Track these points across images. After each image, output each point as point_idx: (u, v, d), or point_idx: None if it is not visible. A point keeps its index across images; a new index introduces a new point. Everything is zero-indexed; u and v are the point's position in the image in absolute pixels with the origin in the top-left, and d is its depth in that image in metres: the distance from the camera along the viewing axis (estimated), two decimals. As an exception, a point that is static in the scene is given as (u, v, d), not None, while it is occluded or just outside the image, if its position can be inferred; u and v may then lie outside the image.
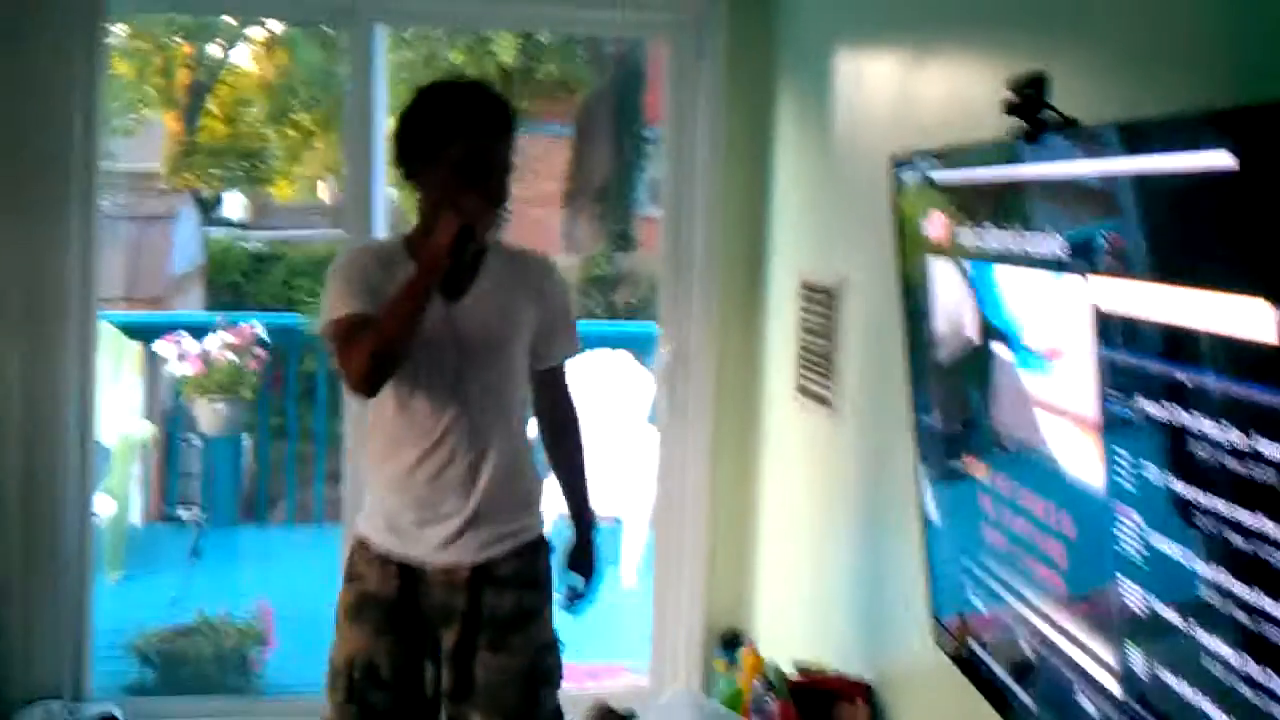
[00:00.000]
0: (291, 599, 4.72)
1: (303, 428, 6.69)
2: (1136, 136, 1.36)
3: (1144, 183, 1.36)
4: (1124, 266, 1.42)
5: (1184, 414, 1.30)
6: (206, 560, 5.77)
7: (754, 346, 3.90)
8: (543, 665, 2.50)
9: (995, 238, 1.79)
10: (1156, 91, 1.64)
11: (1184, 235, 1.30)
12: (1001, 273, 1.79)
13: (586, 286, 12.31)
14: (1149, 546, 1.42)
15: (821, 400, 3.23)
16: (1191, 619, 1.33)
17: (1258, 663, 1.21)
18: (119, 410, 5.53)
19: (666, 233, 3.94)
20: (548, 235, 12.46)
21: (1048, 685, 1.80)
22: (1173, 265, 1.32)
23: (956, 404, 2.10)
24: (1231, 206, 1.18)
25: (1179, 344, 1.31)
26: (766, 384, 3.83)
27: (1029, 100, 1.57)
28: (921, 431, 2.27)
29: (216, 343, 6.00)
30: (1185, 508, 1.32)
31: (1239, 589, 1.22)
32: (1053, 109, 1.57)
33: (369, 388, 2.28)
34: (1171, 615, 1.38)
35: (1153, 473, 1.39)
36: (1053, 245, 1.58)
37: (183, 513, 6.17)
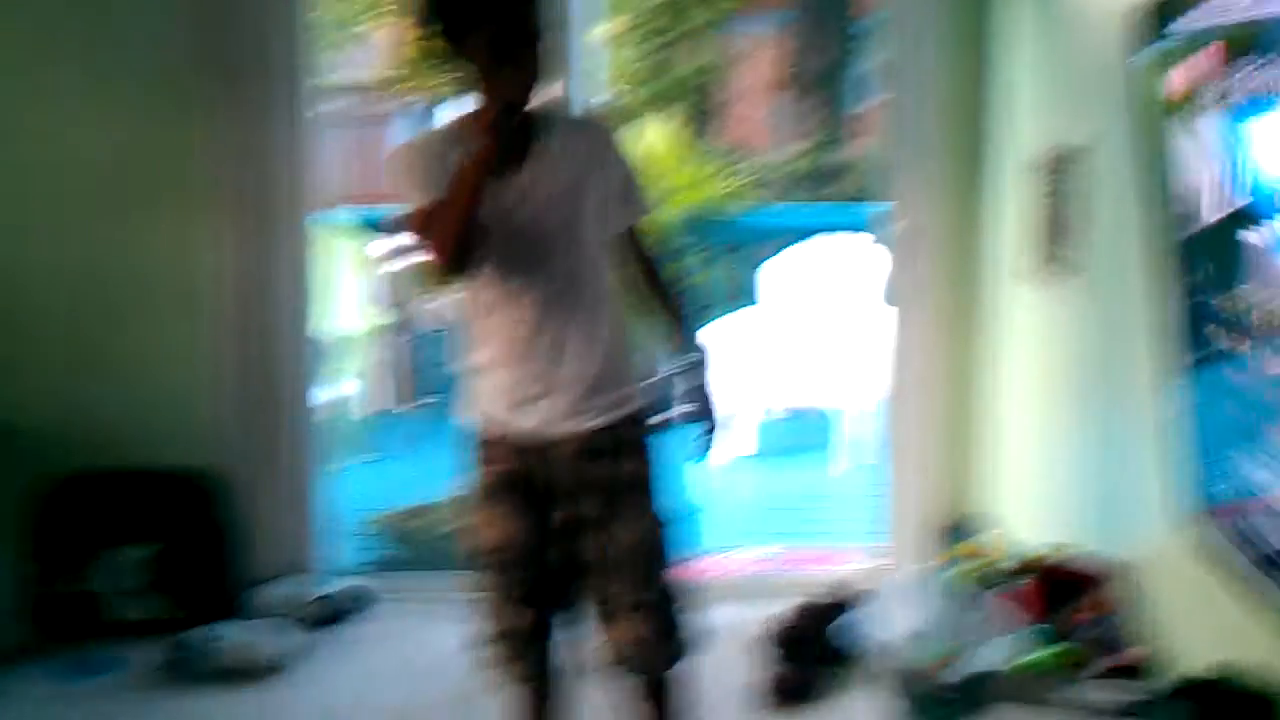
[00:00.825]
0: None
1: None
2: None
3: None
4: None
5: None
6: (434, 444, 5.98)
7: (983, 219, 3.77)
8: (657, 535, 2.45)
9: (1258, 80, 1.63)
10: None
11: None
12: (1261, 120, 1.63)
13: (803, 178, 12.15)
14: None
15: (1056, 273, 3.09)
16: None
17: None
18: (350, 304, 5.72)
19: (891, 110, 3.81)
20: (761, 128, 12.29)
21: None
22: None
23: (1219, 269, 1.94)
24: None
25: None
26: (997, 259, 3.70)
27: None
28: (1175, 301, 2.13)
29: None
30: None
31: None
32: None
33: (456, 272, 2.27)
34: None
35: None
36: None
37: (418, 396, 6.40)
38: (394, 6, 12.70)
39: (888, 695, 2.88)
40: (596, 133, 2.50)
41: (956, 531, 3.76)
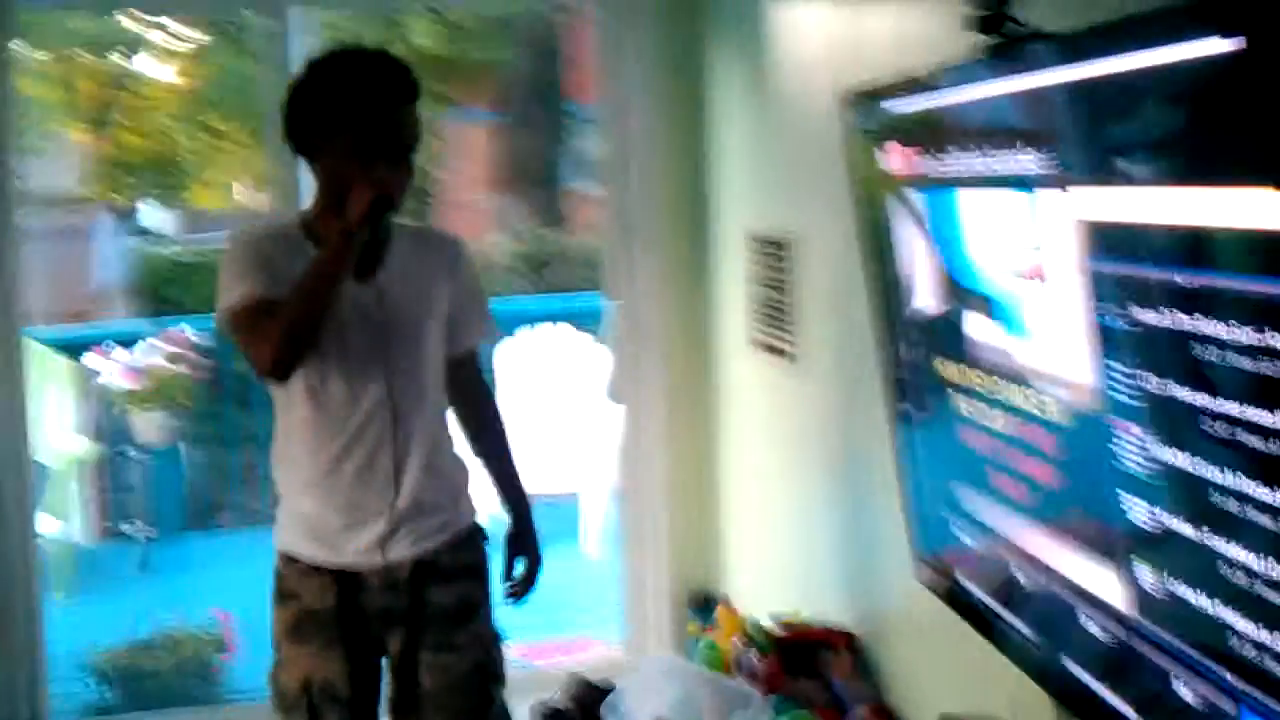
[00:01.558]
0: (247, 604, 4.59)
1: (243, 431, 6.55)
2: (1117, 35, 1.32)
3: (1128, 81, 1.31)
4: (1110, 172, 1.38)
5: (1186, 318, 1.26)
6: (157, 573, 5.66)
7: (705, 307, 3.86)
8: (491, 661, 2.39)
9: (962, 162, 1.75)
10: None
11: (1175, 132, 1.27)
12: (971, 198, 1.76)
13: (521, 265, 12.22)
14: (1154, 459, 1.39)
15: (780, 353, 3.20)
16: (1206, 528, 1.30)
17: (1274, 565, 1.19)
18: (55, 428, 5.39)
19: (610, 199, 3.88)
20: (477, 218, 12.35)
21: (1045, 611, 1.77)
22: (1162, 164, 1.29)
23: (931, 339, 2.06)
24: (1227, 94, 1.14)
25: (1177, 246, 1.28)
26: (721, 343, 3.80)
27: (995, 14, 1.52)
28: (894, 370, 2.24)
29: (150, 352, 5.86)
30: (1193, 415, 1.28)
31: (1258, 492, 1.19)
32: (1017, 21, 1.53)
33: (282, 372, 2.14)
34: (1184, 527, 1.35)
35: (1153, 383, 1.36)
36: (1030, 160, 1.55)
37: (128, 528, 6.03)
38: (92, 114, 12.19)
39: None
40: (448, 245, 2.44)
41: (700, 609, 3.81)
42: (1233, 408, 1.21)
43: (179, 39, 12.07)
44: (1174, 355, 1.30)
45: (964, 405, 1.92)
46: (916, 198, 1.96)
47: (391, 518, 2.27)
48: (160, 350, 5.95)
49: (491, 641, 2.41)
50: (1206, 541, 1.30)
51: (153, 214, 13.97)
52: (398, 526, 2.28)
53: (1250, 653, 1.25)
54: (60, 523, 5.24)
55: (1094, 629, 1.62)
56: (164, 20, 10.72)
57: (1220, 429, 1.23)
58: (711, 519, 3.93)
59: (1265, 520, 1.18)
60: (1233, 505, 1.23)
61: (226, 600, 4.69)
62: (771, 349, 3.27)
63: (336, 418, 2.24)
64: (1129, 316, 1.37)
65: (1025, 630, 1.85)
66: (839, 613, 2.92)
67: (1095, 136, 1.41)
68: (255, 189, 14.69)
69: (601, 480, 5.65)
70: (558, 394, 6.01)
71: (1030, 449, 1.73)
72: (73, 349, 5.82)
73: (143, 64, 12.62)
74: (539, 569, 2.55)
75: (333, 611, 2.28)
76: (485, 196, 13.67)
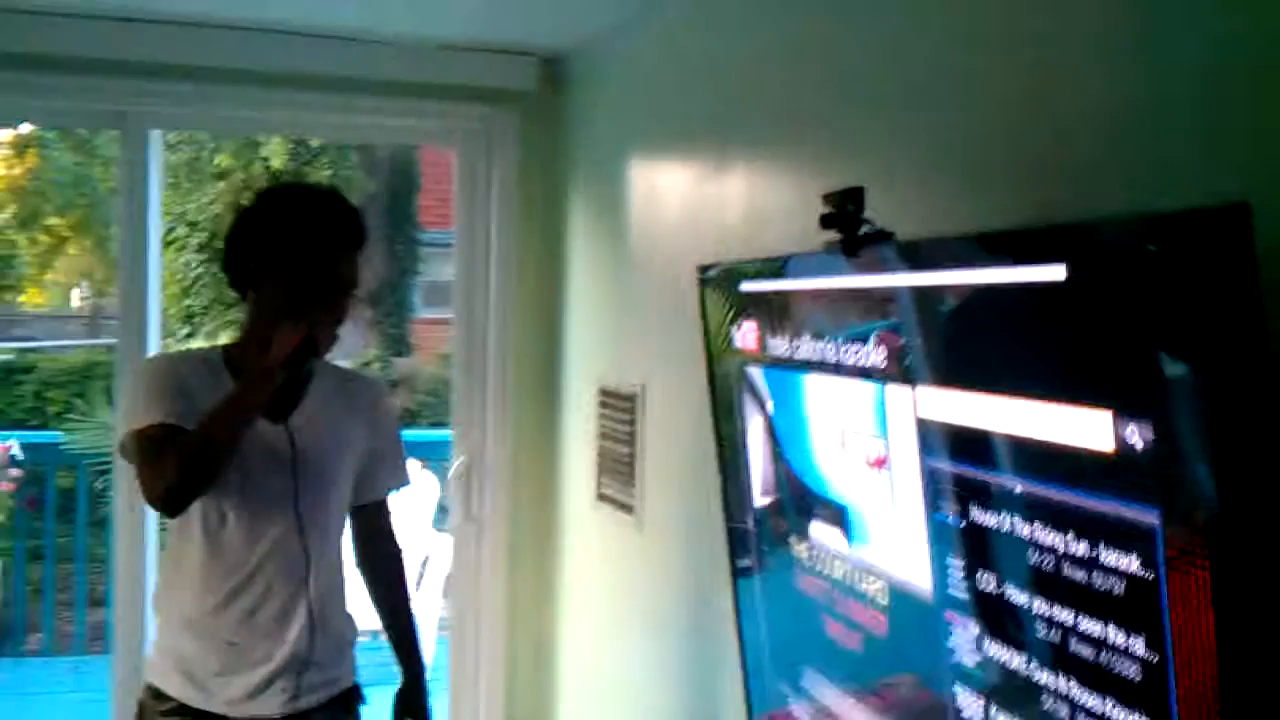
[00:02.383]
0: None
1: (60, 549, 6.26)
2: (965, 249, 1.39)
3: (970, 294, 1.39)
4: (947, 376, 1.45)
5: (1023, 523, 1.32)
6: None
7: (551, 453, 3.86)
8: None
9: (812, 348, 1.81)
10: (951, 208, 1.71)
11: (1011, 346, 1.33)
12: (819, 383, 1.81)
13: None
14: (986, 656, 1.43)
15: (624, 507, 3.21)
16: (1035, 728, 1.34)
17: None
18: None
19: (459, 338, 3.88)
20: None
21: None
22: (999, 376, 1.35)
23: (770, 508, 2.10)
24: (1060, 318, 1.21)
25: (1009, 454, 1.34)
26: (565, 491, 3.79)
27: (847, 213, 1.59)
28: (735, 537, 2.27)
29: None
30: (1026, 617, 1.33)
31: (1087, 700, 1.24)
32: (869, 222, 1.60)
33: (176, 505, 2.09)
34: (1013, 723, 1.39)
35: (988, 582, 1.40)
36: (873, 355, 1.61)
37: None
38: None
39: None
40: (370, 390, 2.41)
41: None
42: (1065, 615, 1.25)
43: (22, 137, 11.79)
44: (1009, 558, 1.35)
45: (802, 578, 1.96)
46: (765, 375, 2.01)
47: (268, 669, 2.21)
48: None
49: None
50: (1036, 742, 1.34)
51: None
52: (273, 679, 2.21)
53: None
54: None
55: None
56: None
57: (1053, 634, 1.28)
58: (546, 668, 3.88)
59: (1092, 728, 1.23)
60: (1064, 711, 1.27)
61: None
62: (615, 503, 3.28)
63: (230, 558, 2.18)
64: (966, 515, 1.42)
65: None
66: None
67: (937, 340, 1.48)
68: (97, 294, 14.29)
69: (430, 618, 5.53)
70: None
71: (867, 632, 1.77)
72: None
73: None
74: None
75: None
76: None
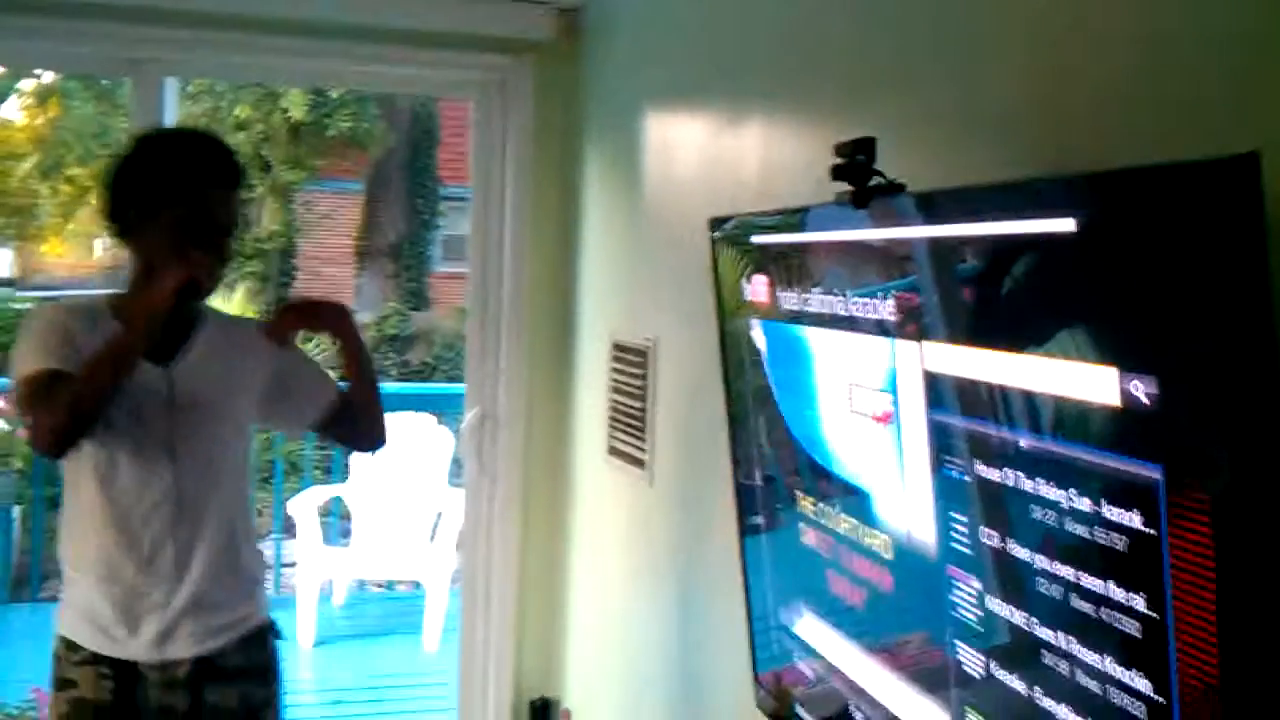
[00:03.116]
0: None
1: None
2: (975, 201, 1.37)
3: (980, 247, 1.37)
4: (956, 331, 1.43)
5: (1026, 479, 1.30)
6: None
7: (564, 407, 3.86)
8: None
9: (820, 302, 1.79)
10: (969, 160, 1.68)
11: (1021, 300, 1.32)
12: (828, 337, 1.79)
13: (381, 345, 12.09)
14: (988, 612, 1.42)
15: (635, 461, 3.20)
16: (1037, 688, 1.33)
17: (1102, 727, 1.22)
18: None
19: (474, 291, 3.88)
20: (339, 292, 12.21)
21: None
22: (1009, 330, 1.33)
23: (779, 463, 2.09)
24: (1069, 270, 1.19)
25: (1015, 409, 1.32)
26: (577, 445, 3.79)
27: (857, 164, 1.57)
28: (743, 492, 2.26)
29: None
30: (1026, 573, 1.32)
31: (1088, 656, 1.23)
32: (880, 174, 1.58)
33: (59, 448, 2.11)
34: (1014, 682, 1.38)
35: (991, 538, 1.39)
36: (886, 308, 1.59)
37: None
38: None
39: None
40: (253, 331, 2.40)
41: (536, 714, 3.76)
42: (1067, 571, 1.24)
43: (45, 86, 11.80)
44: (1013, 514, 1.34)
45: (809, 534, 1.95)
46: (775, 329, 2.00)
47: (172, 613, 2.22)
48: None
49: None
50: (1036, 700, 1.33)
51: (3, 261, 13.53)
52: (178, 622, 2.23)
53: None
54: None
55: (925, 771, 1.64)
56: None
57: (1054, 590, 1.27)
58: (557, 623, 3.90)
59: (1093, 685, 1.22)
60: (1063, 667, 1.27)
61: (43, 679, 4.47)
62: (627, 456, 3.27)
63: (123, 504, 2.20)
64: (971, 471, 1.41)
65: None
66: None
67: (946, 293, 1.46)
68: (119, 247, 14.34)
69: (444, 572, 5.57)
70: (409, 483, 5.93)
71: (871, 587, 1.76)
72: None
73: (8, 109, 12.30)
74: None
75: (108, 705, 2.22)
76: (349, 271, 13.54)
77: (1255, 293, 0.96)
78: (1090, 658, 1.22)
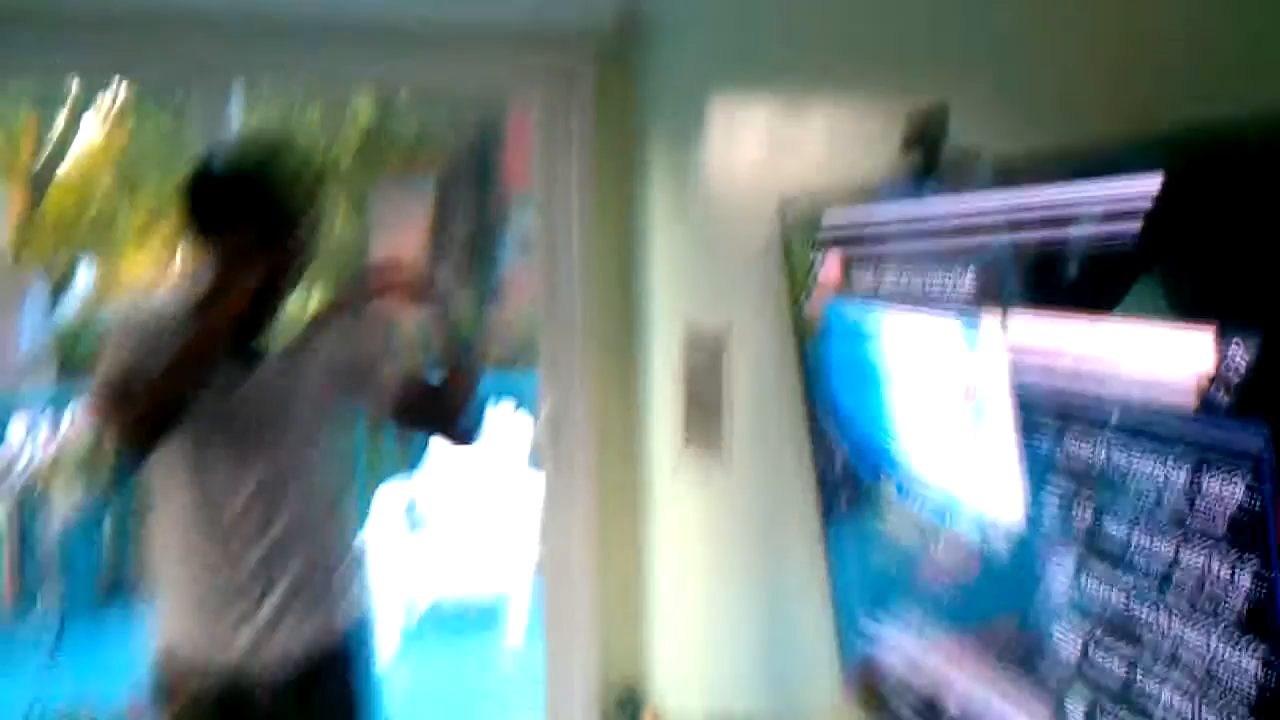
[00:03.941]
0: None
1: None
2: (1054, 166, 1.32)
3: (1061, 212, 1.32)
4: (1039, 300, 1.38)
5: (1115, 450, 1.25)
6: (69, 652, 5.45)
7: (638, 397, 3.83)
8: None
9: (894, 279, 1.75)
10: (1043, 124, 1.62)
11: (1107, 264, 1.26)
12: (905, 315, 1.75)
13: (457, 340, 12.14)
14: (1083, 590, 1.37)
15: (711, 449, 3.17)
16: (1137, 667, 1.28)
17: (1207, 707, 1.17)
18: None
19: (541, 283, 3.86)
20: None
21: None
22: (1095, 296, 1.28)
23: (857, 447, 2.05)
24: (1157, 231, 1.14)
25: (1104, 378, 1.27)
26: (652, 434, 3.76)
27: (930, 135, 1.52)
28: (823, 476, 2.22)
29: (69, 419, 5.73)
30: (1123, 549, 1.27)
31: (1189, 633, 1.18)
32: (952, 143, 1.53)
33: (141, 448, 2.14)
34: (1114, 664, 1.33)
35: (1085, 514, 1.34)
36: (961, 282, 1.54)
37: (40, 603, 5.84)
38: (12, 170, 12.04)
39: None
40: (339, 327, 2.40)
41: (621, 709, 3.74)
42: (1165, 547, 1.19)
43: (123, 104, 11.98)
44: (1107, 488, 1.29)
45: (892, 519, 1.91)
46: (848, 310, 1.96)
47: (268, 614, 2.23)
48: (80, 417, 5.83)
49: None
50: (1138, 681, 1.28)
51: (84, 280, 13.79)
52: (275, 624, 2.24)
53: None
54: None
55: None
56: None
57: (1155, 567, 1.22)
58: (640, 614, 3.87)
59: (1197, 664, 1.17)
60: (1166, 646, 1.22)
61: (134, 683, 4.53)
62: (703, 445, 3.24)
63: (213, 507, 2.21)
64: (1061, 445, 1.36)
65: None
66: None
67: (1027, 262, 1.41)
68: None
69: (526, 565, 5.56)
70: (494, 475, 5.94)
71: (960, 570, 1.71)
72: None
73: (87, 127, 12.53)
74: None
75: (211, 712, 2.23)
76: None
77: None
78: (1194, 638, 1.17)
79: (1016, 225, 1.42)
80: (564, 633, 3.90)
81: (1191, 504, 1.14)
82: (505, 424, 6.02)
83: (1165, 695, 1.23)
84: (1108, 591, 1.32)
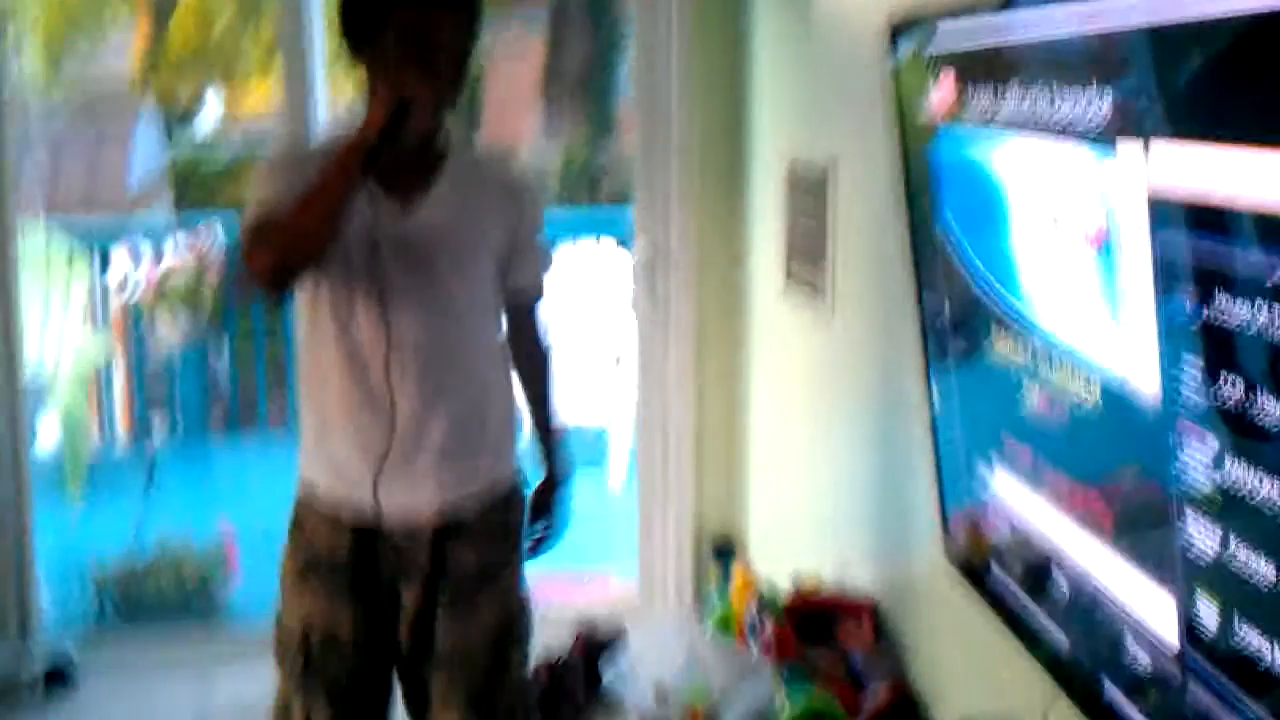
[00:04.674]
0: (257, 519, 4.46)
1: (271, 329, 6.34)
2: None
3: (1218, 26, 1.06)
4: (1190, 129, 1.14)
5: (1274, 314, 1.02)
6: (173, 480, 5.51)
7: (738, 235, 3.63)
8: (510, 628, 2.20)
9: (1017, 105, 1.50)
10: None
11: (1271, 88, 1.01)
12: (1030, 144, 1.51)
13: (568, 175, 12.01)
14: (1227, 478, 1.15)
15: (813, 291, 2.96)
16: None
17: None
18: (71, 329, 5.25)
19: (640, 115, 3.64)
20: (525, 124, 12.12)
21: (1085, 623, 1.56)
22: (1256, 123, 1.04)
23: (968, 293, 1.83)
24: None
25: (1262, 225, 1.03)
26: (753, 273, 3.57)
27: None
28: (928, 324, 2.01)
29: (178, 249, 5.71)
30: (1277, 430, 1.05)
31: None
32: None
33: (275, 287, 1.97)
34: (1259, 562, 1.12)
35: (1236, 390, 1.12)
36: (1096, 107, 1.30)
37: (148, 433, 5.91)
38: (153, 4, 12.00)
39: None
40: (511, 173, 2.21)
41: (715, 558, 3.63)
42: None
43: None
44: (1261, 359, 1.07)
45: (1007, 373, 1.69)
46: (965, 140, 1.71)
47: (416, 466, 2.09)
48: (189, 248, 5.79)
49: (515, 606, 2.23)
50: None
51: (206, 112, 13.83)
52: (422, 476, 2.09)
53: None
54: (70, 427, 5.11)
55: (1141, 656, 1.40)
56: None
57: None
58: (737, 461, 3.74)
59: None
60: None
61: (237, 514, 4.55)
62: (805, 283, 3.03)
63: (362, 353, 2.05)
64: (1213, 308, 1.13)
65: (1059, 636, 1.64)
66: (863, 578, 2.71)
67: (1177, 85, 1.16)
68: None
69: (627, 410, 5.45)
70: (599, 315, 5.80)
71: (1080, 441, 1.50)
72: (100, 244, 5.66)
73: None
74: (558, 535, 2.40)
75: (345, 559, 2.12)
76: (535, 102, 13.42)
77: None
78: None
79: (1163, 39, 1.17)
80: (659, 479, 3.79)
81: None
82: (609, 259, 5.84)
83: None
84: (1258, 479, 1.10)
